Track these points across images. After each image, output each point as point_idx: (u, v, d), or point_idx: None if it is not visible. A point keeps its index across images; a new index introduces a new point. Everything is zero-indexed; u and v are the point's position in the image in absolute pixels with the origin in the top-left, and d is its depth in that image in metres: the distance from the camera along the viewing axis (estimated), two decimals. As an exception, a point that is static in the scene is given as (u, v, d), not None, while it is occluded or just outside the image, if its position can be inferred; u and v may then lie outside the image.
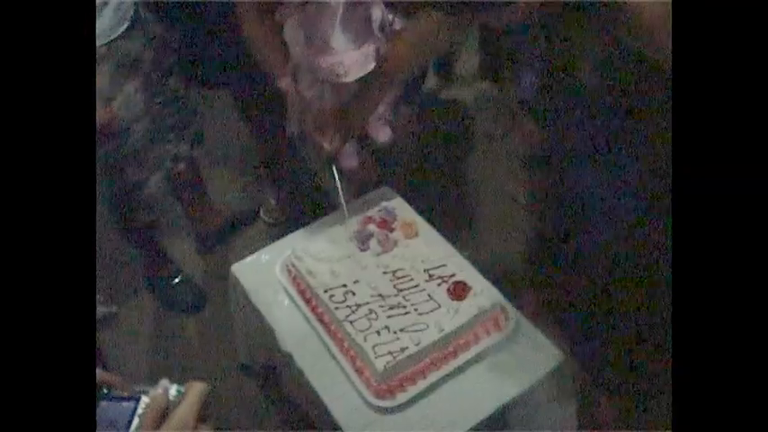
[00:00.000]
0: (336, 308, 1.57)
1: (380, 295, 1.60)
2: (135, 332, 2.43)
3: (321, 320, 1.62)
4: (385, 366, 1.45)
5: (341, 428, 1.48)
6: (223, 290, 2.00)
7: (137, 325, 2.45)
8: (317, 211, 2.00)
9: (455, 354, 1.53)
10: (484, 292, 1.59)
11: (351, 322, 1.54)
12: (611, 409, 1.97)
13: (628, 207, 1.63)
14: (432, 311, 1.56)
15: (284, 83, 1.79)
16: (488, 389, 1.52)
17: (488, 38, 3.14)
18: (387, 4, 1.69)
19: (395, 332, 1.52)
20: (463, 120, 3.12)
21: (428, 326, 1.52)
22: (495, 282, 1.65)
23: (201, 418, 0.68)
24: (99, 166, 1.80)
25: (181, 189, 2.47)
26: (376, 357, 1.46)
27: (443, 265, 1.65)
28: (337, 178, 1.74)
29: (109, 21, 1.77)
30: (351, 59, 1.72)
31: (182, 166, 2.23)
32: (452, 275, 1.63)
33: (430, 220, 1.82)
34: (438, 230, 1.79)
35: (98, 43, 1.74)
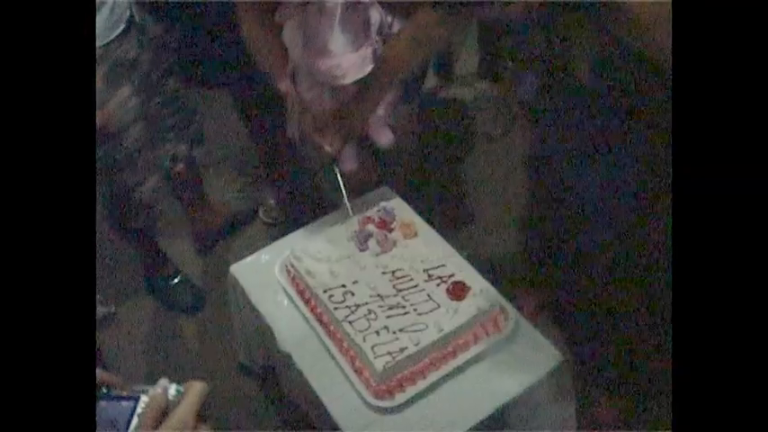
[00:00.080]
0: (335, 308, 1.57)
1: (379, 295, 1.60)
2: (134, 332, 2.42)
3: (320, 321, 1.62)
4: (384, 367, 1.45)
5: (340, 429, 1.48)
6: (222, 290, 2.00)
7: (136, 325, 2.44)
8: (317, 211, 2.00)
9: (454, 354, 1.53)
10: (483, 293, 1.59)
11: (350, 322, 1.54)
12: (611, 409, 1.98)
13: (627, 206, 1.63)
14: (431, 311, 1.56)
15: (284, 85, 1.78)
16: (488, 389, 1.51)
17: (488, 37, 3.14)
18: (383, 5, 1.69)
19: (394, 332, 1.52)
20: (463, 119, 3.12)
21: (427, 326, 1.52)
22: (495, 282, 1.65)
23: (201, 417, 0.68)
24: (94, 169, 1.79)
25: (180, 189, 2.47)
26: (375, 358, 1.46)
27: (442, 266, 1.65)
28: (340, 179, 1.74)
29: (104, 23, 1.77)
30: (349, 62, 1.72)
31: (181, 166, 2.22)
32: (451, 275, 1.63)
33: (429, 221, 1.82)
34: (437, 230, 1.79)
35: None
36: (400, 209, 1.83)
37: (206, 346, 2.36)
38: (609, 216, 1.70)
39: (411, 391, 1.48)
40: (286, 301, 1.71)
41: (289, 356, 1.62)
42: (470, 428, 1.46)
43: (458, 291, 1.59)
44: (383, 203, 1.83)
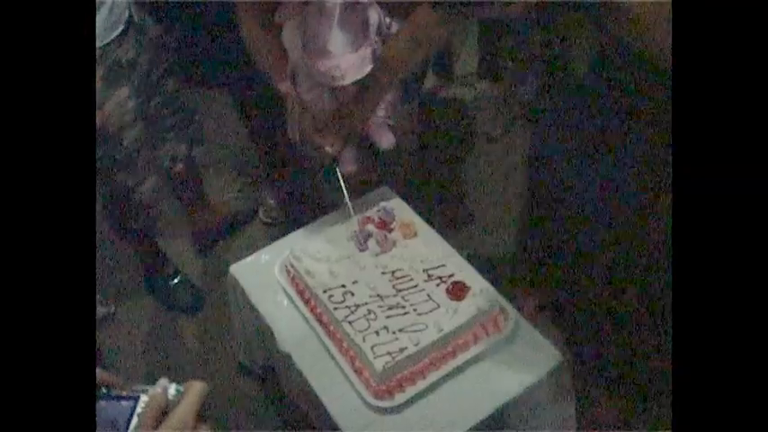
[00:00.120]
0: (335, 308, 1.57)
1: (379, 295, 1.60)
2: (134, 332, 2.42)
3: (320, 321, 1.62)
4: (384, 367, 1.45)
5: (340, 429, 1.48)
6: (222, 290, 2.00)
7: (135, 325, 2.44)
8: (316, 211, 2.00)
9: (454, 354, 1.53)
10: (483, 293, 1.59)
11: (350, 322, 1.54)
12: (611, 409, 1.97)
13: (627, 206, 1.63)
14: (431, 311, 1.56)
15: (284, 86, 1.78)
16: (487, 389, 1.51)
17: (488, 37, 3.14)
18: (382, 5, 1.69)
19: (394, 332, 1.52)
20: (462, 119, 3.12)
21: (427, 326, 1.52)
22: (495, 282, 1.65)
23: (201, 417, 0.68)
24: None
25: (179, 189, 2.47)
26: (375, 358, 1.46)
27: (442, 266, 1.65)
28: (341, 180, 1.74)
29: (102, 24, 1.76)
30: (348, 62, 1.72)
31: (180, 166, 2.22)
32: (451, 275, 1.63)
33: (429, 221, 1.82)
34: (437, 231, 1.79)
35: None
36: (400, 209, 1.83)
37: (206, 346, 2.36)
38: (608, 215, 1.70)
39: (411, 391, 1.48)
40: (286, 302, 1.71)
41: (288, 356, 1.62)
42: (470, 428, 1.46)
43: (457, 291, 1.59)
44: (383, 203, 1.83)
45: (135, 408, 0.68)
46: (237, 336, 1.99)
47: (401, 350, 1.47)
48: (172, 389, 0.70)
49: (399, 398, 1.47)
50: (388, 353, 1.47)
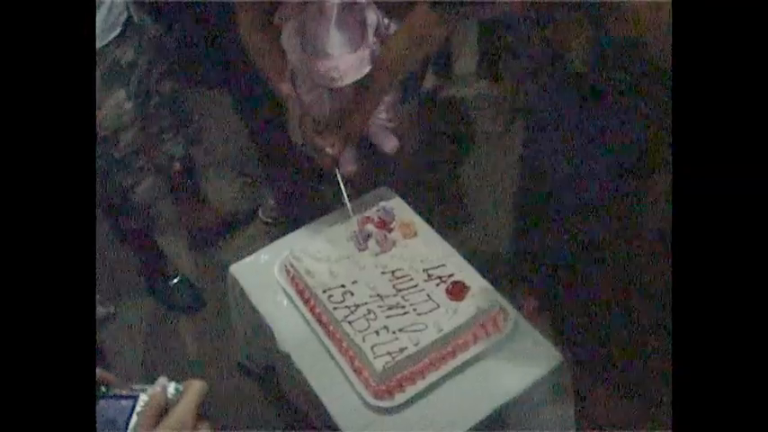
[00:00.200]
0: (335, 308, 1.57)
1: (379, 295, 1.60)
2: (133, 332, 2.42)
3: (320, 321, 1.62)
4: (384, 367, 1.45)
5: (339, 429, 1.48)
6: (221, 290, 1.99)
7: (135, 325, 2.44)
8: (316, 211, 2.00)
9: (454, 354, 1.53)
10: (483, 293, 1.59)
11: (349, 322, 1.54)
12: (612, 409, 1.97)
13: (626, 203, 1.63)
14: (430, 311, 1.56)
15: (284, 88, 1.78)
16: (487, 389, 1.51)
17: (488, 37, 3.14)
18: (380, 5, 1.69)
19: (394, 332, 1.52)
20: (462, 119, 3.12)
21: (427, 326, 1.52)
22: (494, 281, 1.65)
23: (200, 416, 0.68)
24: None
25: (177, 188, 2.47)
26: (375, 358, 1.46)
27: (442, 265, 1.65)
28: (341, 181, 1.74)
29: (101, 25, 1.76)
30: (346, 63, 1.72)
31: (177, 165, 2.23)
32: (451, 275, 1.63)
33: (428, 220, 1.82)
34: (436, 230, 1.79)
35: None
36: (400, 209, 1.83)
37: (205, 347, 2.36)
38: (607, 212, 1.71)
39: (411, 391, 1.48)
40: (285, 301, 1.71)
41: (288, 356, 1.62)
42: (470, 428, 1.46)
43: (457, 291, 1.59)
44: (382, 203, 1.83)
45: (134, 407, 0.68)
46: (237, 336, 1.99)
47: (401, 350, 1.47)
48: (171, 388, 0.70)
49: (399, 398, 1.47)
50: (388, 353, 1.47)
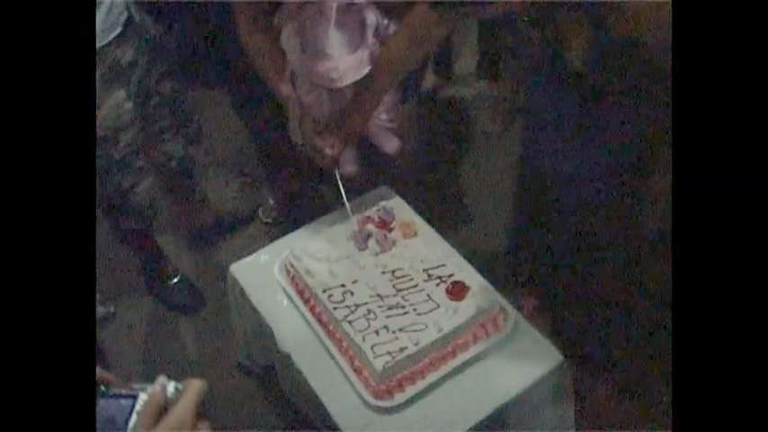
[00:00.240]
0: (335, 308, 1.57)
1: (379, 295, 1.60)
2: (133, 332, 2.42)
3: (320, 320, 1.62)
4: (384, 366, 1.45)
5: (339, 429, 1.48)
6: (221, 290, 1.99)
7: (135, 325, 2.44)
8: (316, 211, 2.00)
9: (454, 354, 1.53)
10: (482, 292, 1.59)
11: (349, 322, 1.54)
12: (612, 409, 1.98)
13: (625, 199, 1.63)
14: (430, 311, 1.56)
15: (284, 89, 1.78)
16: (487, 389, 1.52)
17: (487, 36, 3.14)
18: (378, 5, 1.69)
19: (394, 332, 1.52)
20: (462, 119, 3.12)
21: (427, 326, 1.52)
22: (494, 281, 1.65)
23: (200, 415, 0.68)
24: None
25: (175, 188, 2.47)
26: (375, 357, 1.46)
27: (442, 265, 1.65)
28: (340, 182, 1.74)
29: (100, 25, 1.76)
30: (346, 64, 1.72)
31: (176, 165, 2.23)
32: (451, 275, 1.63)
33: (428, 220, 1.82)
34: (436, 230, 1.79)
35: None
36: (400, 208, 1.83)
37: (205, 346, 2.35)
38: (607, 212, 1.71)
39: (410, 390, 1.48)
40: (285, 301, 1.71)
41: (288, 356, 1.62)
42: (470, 428, 1.46)
43: (457, 290, 1.59)
44: (383, 203, 1.83)
45: (134, 406, 0.68)
46: (237, 335, 1.99)
47: (401, 350, 1.47)
48: (171, 387, 0.69)
49: (399, 398, 1.47)
50: (388, 352, 1.47)
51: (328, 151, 1.71)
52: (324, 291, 1.61)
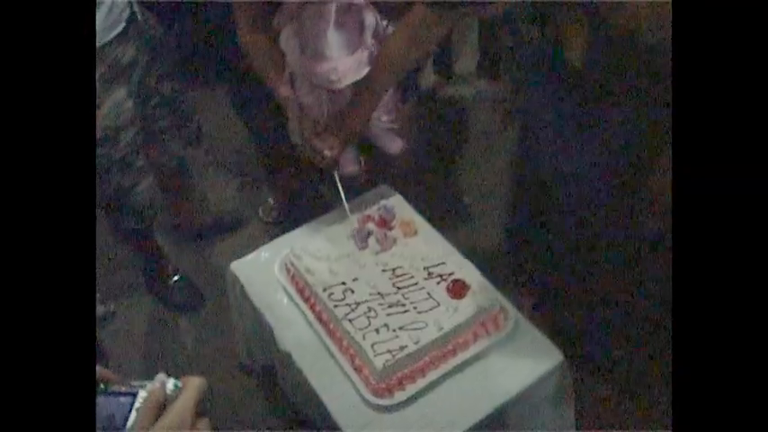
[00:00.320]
0: (335, 306, 1.57)
1: (379, 293, 1.60)
2: (133, 331, 2.42)
3: (320, 319, 1.62)
4: (384, 365, 1.45)
5: (339, 427, 1.48)
6: (221, 289, 1.99)
7: (134, 324, 2.44)
8: (316, 210, 2.00)
9: (454, 352, 1.53)
10: (483, 291, 1.59)
11: (350, 320, 1.54)
12: (612, 409, 1.98)
13: (625, 196, 1.63)
14: (431, 310, 1.56)
15: (283, 90, 1.78)
16: (487, 388, 1.52)
17: (487, 36, 3.14)
18: (376, 4, 1.69)
19: (394, 330, 1.52)
20: (462, 118, 3.12)
21: (427, 324, 1.52)
22: (494, 280, 1.65)
23: (199, 412, 0.68)
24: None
25: (175, 188, 2.47)
26: (375, 356, 1.46)
27: (442, 264, 1.65)
28: (339, 182, 1.74)
29: (101, 24, 1.75)
30: (345, 65, 1.72)
31: (173, 164, 2.23)
32: (451, 274, 1.63)
33: (430, 219, 1.82)
34: (436, 228, 1.79)
35: None
36: (400, 207, 1.83)
37: (205, 345, 2.36)
38: (607, 211, 1.71)
39: (411, 389, 1.48)
40: (286, 300, 1.71)
41: (288, 355, 1.62)
42: (470, 427, 1.46)
43: (458, 289, 1.59)
44: (383, 201, 1.83)
45: (133, 403, 0.68)
46: (237, 334, 1.99)
47: (401, 348, 1.47)
48: (170, 384, 0.69)
49: (399, 396, 1.47)
50: (389, 351, 1.47)
51: (327, 152, 1.71)
52: (324, 289, 1.61)
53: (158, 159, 2.16)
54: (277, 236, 1.93)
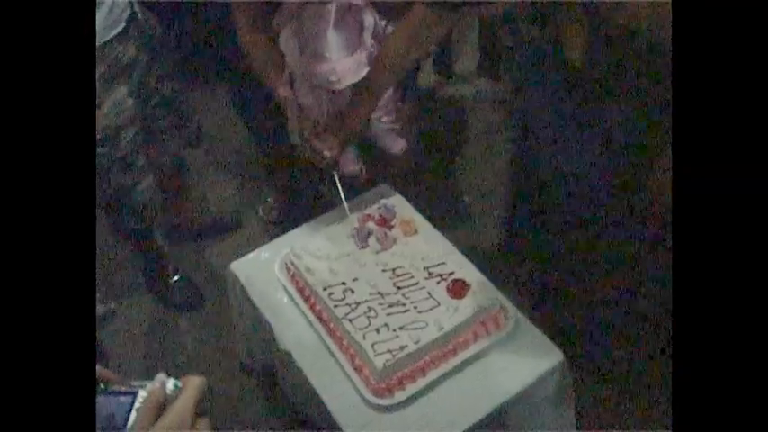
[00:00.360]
0: (335, 306, 1.57)
1: (380, 293, 1.60)
2: (133, 330, 2.42)
3: (320, 318, 1.62)
4: (384, 364, 1.45)
5: (339, 427, 1.48)
6: (221, 289, 1.99)
7: (135, 323, 2.44)
8: (316, 210, 2.00)
9: (454, 352, 1.53)
10: (483, 290, 1.59)
11: (350, 320, 1.54)
12: (612, 409, 1.98)
13: (624, 193, 1.63)
14: (431, 309, 1.56)
15: (282, 91, 1.78)
16: (487, 388, 1.52)
17: (487, 35, 3.14)
18: (375, 4, 1.69)
19: (394, 330, 1.52)
20: (462, 117, 3.12)
21: (427, 324, 1.52)
22: (494, 279, 1.65)
23: (199, 412, 0.68)
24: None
25: (174, 188, 2.47)
26: (375, 355, 1.46)
27: (443, 263, 1.65)
28: (338, 183, 1.74)
29: (102, 22, 1.76)
30: (344, 66, 1.72)
31: (170, 164, 2.23)
32: (452, 273, 1.63)
33: (430, 218, 1.82)
34: (437, 227, 1.79)
35: None
36: (400, 206, 1.83)
37: (205, 345, 2.36)
38: (607, 210, 1.71)
39: (411, 389, 1.48)
40: (286, 299, 1.71)
41: (288, 354, 1.62)
42: (470, 427, 1.46)
43: (458, 289, 1.59)
44: (383, 201, 1.83)
45: (133, 403, 0.68)
46: (237, 334, 1.99)
47: (401, 348, 1.47)
48: (170, 384, 0.69)
49: (399, 396, 1.47)
50: (389, 350, 1.47)
51: (327, 153, 1.71)
52: (324, 288, 1.61)
53: (158, 159, 2.16)
54: (277, 235, 1.93)
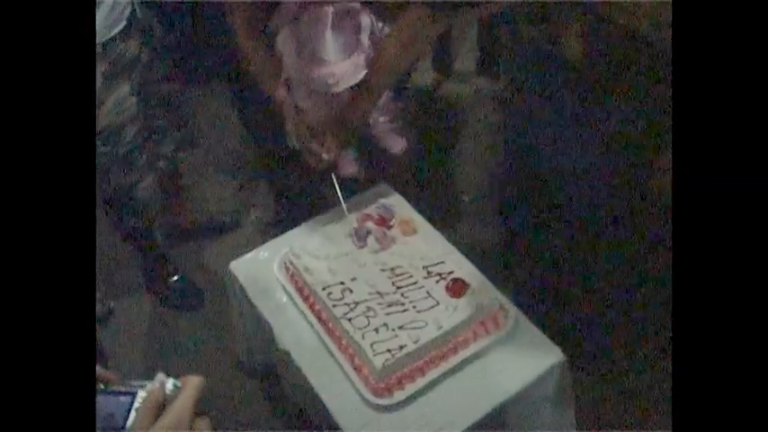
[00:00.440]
0: (334, 305, 1.57)
1: (379, 293, 1.60)
2: (132, 330, 2.42)
3: (319, 318, 1.62)
4: (383, 364, 1.45)
5: (339, 427, 1.48)
6: (221, 289, 1.99)
7: (134, 323, 2.44)
8: (315, 210, 2.00)
9: (454, 351, 1.53)
10: (482, 290, 1.59)
11: (349, 320, 1.54)
12: (612, 409, 1.98)
13: (623, 191, 1.63)
14: (430, 309, 1.56)
15: (279, 93, 1.78)
16: (487, 387, 1.51)
17: (486, 33, 3.15)
18: (371, 5, 1.69)
19: (393, 330, 1.52)
20: (461, 115, 3.12)
21: (427, 323, 1.52)
22: (494, 279, 1.65)
23: (198, 411, 0.68)
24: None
25: (174, 187, 2.47)
26: (374, 355, 1.46)
27: (442, 263, 1.65)
28: (337, 185, 1.74)
29: (103, 21, 1.76)
30: (341, 69, 1.72)
31: (163, 165, 2.23)
32: (451, 272, 1.63)
33: (429, 218, 1.81)
34: (436, 227, 1.79)
35: None
36: (399, 206, 1.83)
37: (205, 345, 2.35)
38: (607, 209, 1.71)
39: (410, 388, 1.48)
40: (285, 299, 1.71)
41: (288, 354, 1.62)
42: (469, 427, 1.46)
43: (457, 288, 1.59)
44: (382, 200, 1.83)
45: (133, 403, 0.68)
46: (237, 333, 1.99)
47: (401, 347, 1.47)
48: (169, 383, 0.69)
49: (398, 395, 1.47)
50: (388, 350, 1.47)
51: (325, 155, 1.71)
52: (323, 288, 1.61)
53: (160, 159, 2.16)
54: (276, 235, 1.93)
